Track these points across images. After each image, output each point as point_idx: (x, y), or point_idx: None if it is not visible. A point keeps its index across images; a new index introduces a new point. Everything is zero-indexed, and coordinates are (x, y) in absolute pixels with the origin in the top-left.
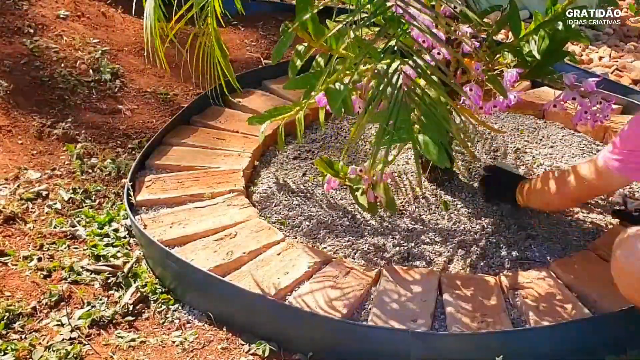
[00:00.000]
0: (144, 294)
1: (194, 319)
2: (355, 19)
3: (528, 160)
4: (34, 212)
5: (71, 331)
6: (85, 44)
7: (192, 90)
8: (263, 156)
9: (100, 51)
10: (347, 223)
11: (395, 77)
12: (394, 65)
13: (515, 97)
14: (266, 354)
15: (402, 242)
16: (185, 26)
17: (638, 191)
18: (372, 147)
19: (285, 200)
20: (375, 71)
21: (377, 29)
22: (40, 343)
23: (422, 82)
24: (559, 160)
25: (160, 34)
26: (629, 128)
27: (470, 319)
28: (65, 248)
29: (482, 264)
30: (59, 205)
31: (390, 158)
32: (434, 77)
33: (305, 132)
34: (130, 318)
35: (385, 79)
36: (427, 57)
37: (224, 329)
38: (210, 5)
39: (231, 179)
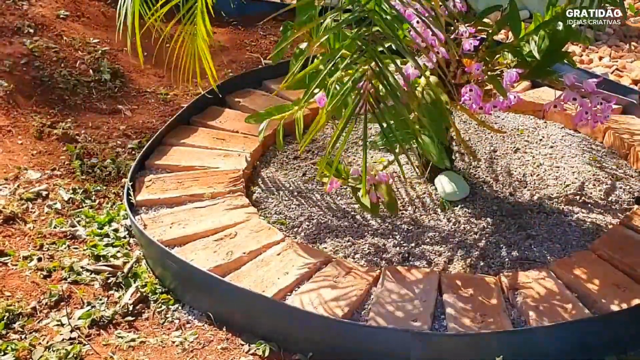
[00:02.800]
0: (144, 294)
1: (194, 319)
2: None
3: (528, 161)
4: (34, 212)
5: (71, 331)
6: (85, 44)
7: (192, 91)
8: (263, 156)
9: (100, 51)
10: (347, 223)
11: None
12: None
13: (515, 97)
14: (266, 354)
15: (402, 242)
16: (167, 22)
17: None
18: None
19: (285, 201)
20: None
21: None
22: (40, 343)
23: (422, 81)
24: (559, 160)
25: (160, 32)
26: None
27: (470, 319)
28: (65, 248)
29: (482, 264)
30: (58, 205)
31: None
32: (432, 78)
33: (305, 132)
34: (130, 318)
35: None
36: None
37: (224, 329)
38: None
39: (231, 179)
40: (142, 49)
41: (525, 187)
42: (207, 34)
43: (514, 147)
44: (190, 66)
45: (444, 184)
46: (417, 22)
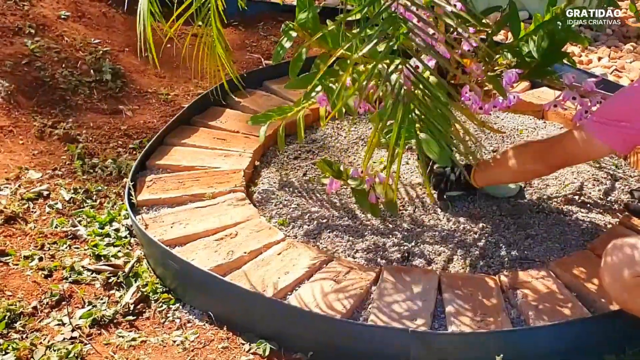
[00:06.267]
0: (145, 293)
1: (195, 318)
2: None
3: None
4: (35, 212)
5: (72, 331)
6: (86, 45)
7: (193, 91)
8: (264, 156)
9: (101, 51)
10: (348, 223)
11: (395, 76)
12: (393, 66)
13: (514, 97)
14: (266, 353)
15: (402, 241)
16: (184, 26)
17: None
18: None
19: (286, 200)
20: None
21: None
22: (41, 342)
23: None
24: None
25: (159, 33)
26: (614, 99)
27: (470, 319)
28: (66, 248)
29: (481, 263)
30: (60, 205)
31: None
32: (433, 78)
33: (306, 132)
34: (131, 317)
35: (388, 81)
36: (426, 57)
37: (225, 329)
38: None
39: (232, 179)
40: (144, 50)
41: (524, 187)
42: (221, 37)
43: None
44: (206, 66)
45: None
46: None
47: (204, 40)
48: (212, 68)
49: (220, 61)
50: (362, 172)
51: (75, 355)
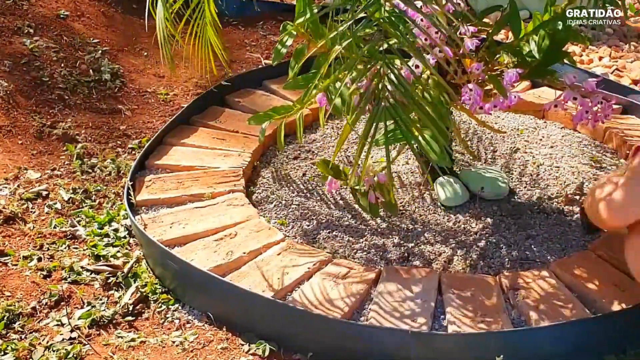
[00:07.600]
0: (144, 294)
1: (194, 319)
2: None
3: (528, 160)
4: (34, 212)
5: (71, 331)
6: (85, 44)
7: (192, 91)
8: (263, 156)
9: (100, 51)
10: (347, 223)
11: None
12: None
13: (515, 97)
14: (266, 353)
15: (402, 242)
16: (185, 26)
17: None
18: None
19: (285, 200)
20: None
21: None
22: (40, 343)
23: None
24: (559, 160)
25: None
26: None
27: (470, 319)
28: (65, 248)
29: (482, 263)
30: (59, 205)
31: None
32: (433, 77)
33: (305, 132)
34: (130, 318)
35: (375, 80)
36: (427, 56)
37: (224, 329)
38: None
39: (231, 179)
40: (142, 50)
41: (525, 187)
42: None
43: (514, 147)
44: (200, 57)
45: (444, 190)
46: (422, 19)
47: (198, 22)
48: (202, 52)
49: (211, 47)
50: (360, 171)
51: (74, 355)
